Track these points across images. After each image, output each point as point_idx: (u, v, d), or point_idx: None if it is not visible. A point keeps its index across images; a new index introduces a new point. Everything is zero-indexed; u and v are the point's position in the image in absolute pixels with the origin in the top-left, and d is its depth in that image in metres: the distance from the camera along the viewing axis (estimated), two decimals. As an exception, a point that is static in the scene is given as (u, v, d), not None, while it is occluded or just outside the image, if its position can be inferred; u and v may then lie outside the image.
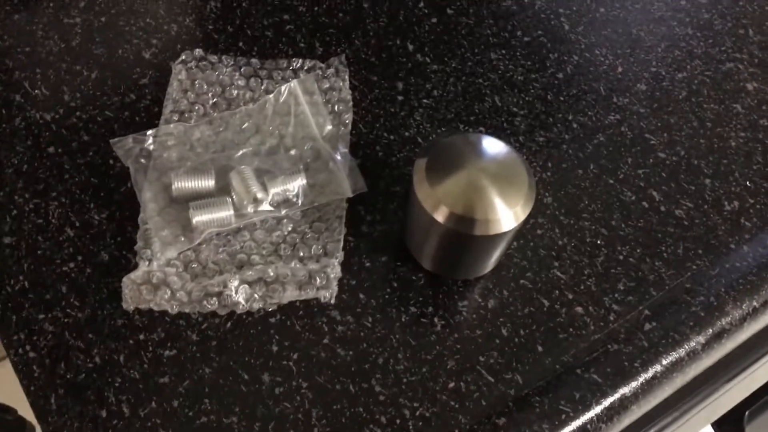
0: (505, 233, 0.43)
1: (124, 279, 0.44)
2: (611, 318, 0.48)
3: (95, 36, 0.55)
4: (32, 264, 0.45)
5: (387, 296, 0.47)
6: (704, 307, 0.49)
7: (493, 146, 0.44)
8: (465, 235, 0.42)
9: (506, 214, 0.42)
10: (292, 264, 0.46)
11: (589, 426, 0.44)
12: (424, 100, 0.57)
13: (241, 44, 0.57)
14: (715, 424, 0.74)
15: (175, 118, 0.51)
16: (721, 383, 0.58)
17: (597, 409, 0.44)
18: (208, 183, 0.47)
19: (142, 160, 0.48)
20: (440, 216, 0.42)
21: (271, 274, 0.45)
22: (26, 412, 0.49)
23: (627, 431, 0.51)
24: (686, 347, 0.48)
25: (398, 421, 0.43)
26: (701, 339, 0.48)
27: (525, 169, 0.44)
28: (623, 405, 0.45)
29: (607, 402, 0.45)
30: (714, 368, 0.54)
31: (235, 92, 0.53)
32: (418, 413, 0.43)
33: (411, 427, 0.43)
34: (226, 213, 0.46)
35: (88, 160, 0.50)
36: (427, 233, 0.45)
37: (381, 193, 0.51)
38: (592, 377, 0.45)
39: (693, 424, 0.61)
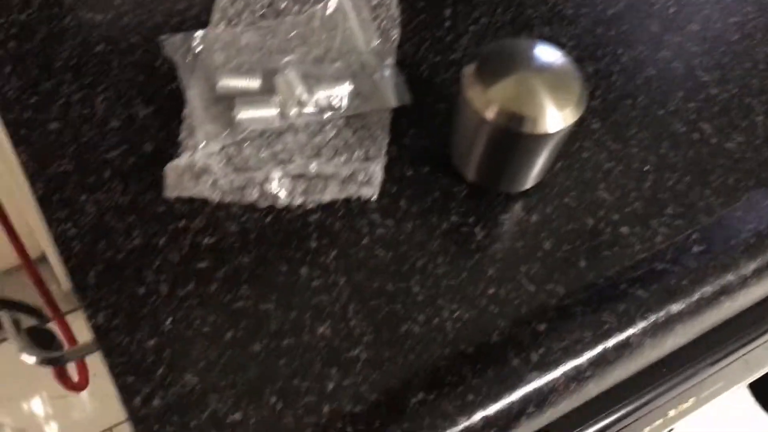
0: (552, 134, 0.42)
1: (167, 166, 0.44)
2: (658, 239, 0.47)
3: (147, -53, 0.56)
4: (77, 149, 0.45)
5: (428, 204, 0.47)
6: (756, 234, 0.47)
7: (546, 51, 0.44)
8: (513, 133, 0.42)
9: (555, 115, 0.42)
10: (334, 161, 0.45)
11: (632, 340, 0.43)
12: (471, 27, 0.56)
13: (290, -36, 0.57)
14: (751, 387, 0.72)
15: (223, 25, 0.51)
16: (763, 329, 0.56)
17: (641, 324, 0.43)
18: (254, 83, 0.47)
19: (189, 59, 0.48)
20: (490, 114, 0.42)
21: (314, 169, 0.45)
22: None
23: (663, 363, 0.50)
24: (735, 272, 0.46)
25: (436, 320, 0.42)
26: (752, 265, 0.46)
27: (577, 75, 0.43)
28: (668, 323, 0.44)
29: (652, 317, 0.43)
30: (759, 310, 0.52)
31: (282, 4, 0.53)
32: (456, 315, 0.42)
33: (449, 327, 0.42)
34: (270, 111, 0.46)
35: (135, 60, 0.50)
36: (475, 137, 0.44)
37: (425, 109, 0.51)
38: (638, 292, 0.44)
39: (729, 376, 0.59)
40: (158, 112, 0.48)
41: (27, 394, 1.17)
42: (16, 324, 0.53)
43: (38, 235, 1.07)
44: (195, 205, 0.44)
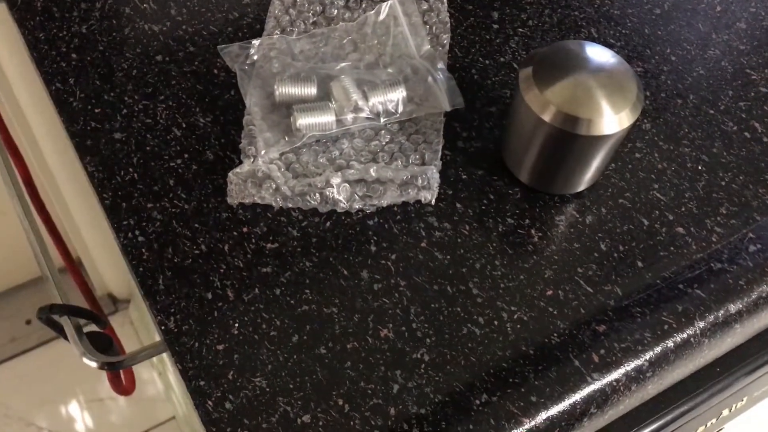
0: (608, 136, 0.42)
1: (230, 174, 0.45)
2: (714, 239, 0.47)
3: (200, -42, 0.57)
4: (141, 158, 0.47)
5: (484, 207, 0.47)
6: (812, 233, 0.47)
7: (601, 54, 0.44)
8: (569, 135, 0.42)
9: (611, 118, 0.42)
10: (393, 166, 0.46)
11: (692, 339, 0.43)
12: (519, 29, 0.56)
13: (339, -29, 0.58)
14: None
15: (277, 33, 0.52)
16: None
17: (701, 324, 0.43)
18: (311, 90, 0.48)
19: (247, 67, 0.49)
20: (547, 116, 0.42)
21: (373, 174, 0.45)
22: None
23: (722, 362, 0.50)
24: (793, 271, 0.46)
25: (496, 323, 0.43)
26: (809, 264, 0.46)
27: (633, 77, 0.43)
28: (727, 322, 0.44)
29: (711, 317, 0.44)
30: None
31: (335, 11, 0.54)
32: (516, 316, 0.43)
33: (509, 328, 0.42)
34: (328, 118, 0.47)
35: (194, 69, 0.51)
36: (531, 139, 0.44)
37: (477, 112, 0.51)
38: (696, 292, 0.44)
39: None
40: (218, 120, 0.49)
41: (64, 397, 1.19)
42: (78, 329, 0.54)
43: (74, 241, 1.09)
44: (257, 211, 0.45)
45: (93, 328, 0.59)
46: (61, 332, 0.56)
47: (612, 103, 0.42)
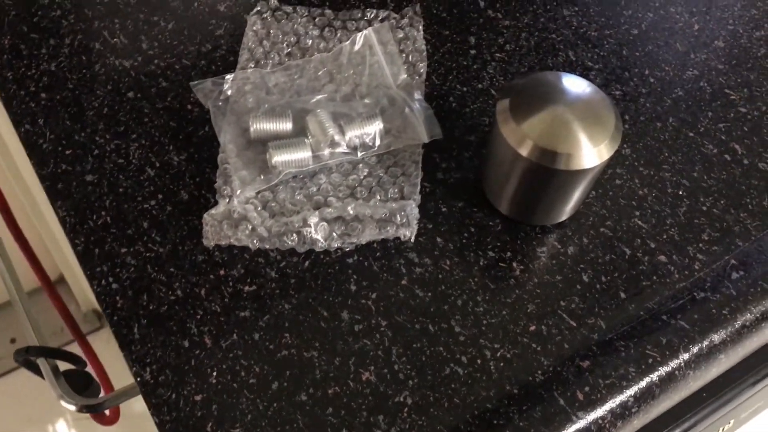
0: (587, 170, 0.42)
1: (205, 215, 0.44)
2: (696, 267, 0.46)
3: (171, -11, 0.56)
4: (114, 201, 0.46)
5: (464, 240, 0.47)
6: (794, 258, 0.47)
7: (578, 85, 0.44)
8: (548, 169, 0.42)
9: (590, 151, 0.41)
10: (371, 203, 0.45)
11: (677, 372, 0.43)
12: (497, 54, 0.56)
13: (313, -2, 0.57)
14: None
15: (251, 66, 0.52)
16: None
17: (685, 356, 0.43)
18: (286, 125, 0.47)
19: (221, 103, 0.49)
20: (525, 151, 0.42)
21: (351, 212, 0.45)
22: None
23: (709, 387, 0.50)
24: (776, 297, 0.46)
25: (479, 361, 0.42)
26: (791, 290, 0.46)
27: (611, 109, 0.43)
28: (712, 353, 0.44)
29: (695, 348, 0.43)
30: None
31: (309, 42, 0.53)
32: (499, 354, 0.42)
33: (492, 367, 0.42)
34: (304, 154, 0.46)
35: (166, 105, 0.50)
36: (509, 172, 0.44)
37: (455, 141, 0.51)
38: (679, 323, 0.44)
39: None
40: (192, 157, 0.48)
41: (51, 416, 1.18)
42: (55, 371, 0.53)
43: (56, 257, 1.07)
44: (234, 252, 0.45)
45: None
46: (39, 372, 0.55)
47: (590, 136, 0.42)
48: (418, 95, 0.51)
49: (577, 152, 0.41)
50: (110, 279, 0.43)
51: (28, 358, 0.53)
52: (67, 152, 0.47)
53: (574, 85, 0.44)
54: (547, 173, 0.42)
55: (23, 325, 0.59)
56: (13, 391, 1.19)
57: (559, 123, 0.42)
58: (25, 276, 0.93)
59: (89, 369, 0.68)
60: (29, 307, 0.62)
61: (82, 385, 0.57)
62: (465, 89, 0.54)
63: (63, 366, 0.57)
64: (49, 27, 0.53)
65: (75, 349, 0.76)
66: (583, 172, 0.42)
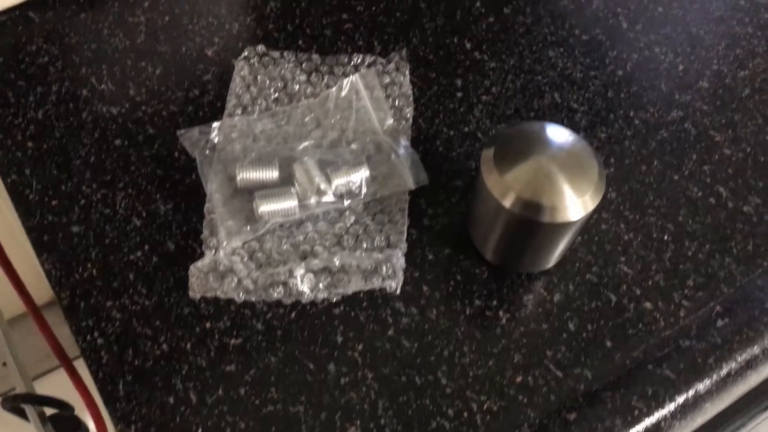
0: (572, 222, 0.42)
1: (191, 267, 0.45)
2: (681, 314, 0.47)
3: (159, 34, 0.56)
4: (100, 252, 0.46)
5: (451, 289, 0.47)
6: (778, 304, 0.47)
7: (561, 135, 0.44)
8: (532, 222, 0.42)
9: (575, 203, 0.42)
10: (357, 254, 0.46)
11: (662, 423, 0.43)
12: (483, 97, 0.56)
13: (300, 42, 0.57)
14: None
15: (239, 112, 0.52)
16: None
17: (671, 406, 0.43)
18: (272, 174, 0.48)
19: (208, 152, 0.49)
20: (508, 202, 0.42)
21: (337, 263, 0.45)
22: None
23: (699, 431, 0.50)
24: (761, 344, 0.46)
25: (466, 414, 0.42)
26: (776, 336, 0.46)
27: (595, 159, 0.43)
28: (697, 402, 0.44)
29: (681, 399, 0.43)
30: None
31: (296, 87, 0.53)
32: (485, 407, 0.42)
33: (479, 420, 0.42)
34: (290, 203, 0.46)
35: (153, 153, 0.50)
36: (494, 222, 0.44)
37: (442, 186, 0.51)
38: (665, 373, 0.44)
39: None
40: (179, 207, 0.48)
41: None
42: (42, 417, 0.53)
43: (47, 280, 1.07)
44: (220, 304, 0.45)
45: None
46: (26, 417, 0.55)
47: (575, 187, 0.42)
48: (404, 141, 0.51)
49: (562, 204, 0.42)
50: (96, 334, 0.43)
51: (15, 405, 0.53)
52: (54, 203, 0.47)
53: (558, 135, 0.44)
54: (531, 225, 0.42)
55: (6, 357, 0.59)
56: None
57: (543, 174, 0.42)
58: (12, 301, 0.93)
59: (77, 395, 0.67)
60: (12, 336, 0.62)
61: (71, 430, 0.56)
62: (451, 132, 0.54)
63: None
64: (36, 74, 0.53)
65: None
66: (567, 225, 0.42)
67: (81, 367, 0.83)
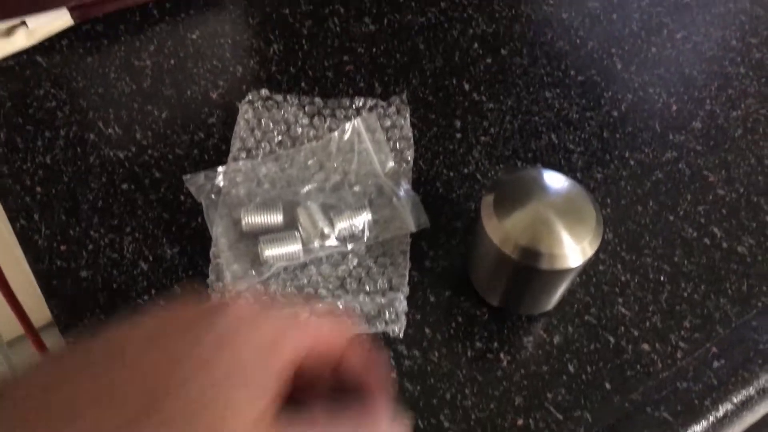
0: (572, 269, 0.43)
1: (197, 312, 0.45)
2: (678, 355, 0.48)
3: (165, 77, 0.58)
4: (108, 297, 0.46)
5: (452, 331, 0.48)
6: (773, 344, 0.48)
7: (559, 181, 0.45)
8: (532, 269, 0.43)
9: (574, 250, 0.43)
10: (360, 298, 0.46)
11: (661, 465, 0.44)
12: (482, 138, 0.57)
13: (303, 85, 0.59)
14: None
15: (243, 155, 0.53)
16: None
17: (668, 448, 0.44)
18: (277, 218, 0.49)
19: (213, 196, 0.50)
20: (507, 249, 0.43)
21: (340, 307, 0.46)
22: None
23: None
24: (756, 385, 0.47)
25: (468, 457, 0.43)
26: (771, 377, 0.47)
27: (592, 205, 0.44)
28: (694, 444, 0.45)
29: (678, 441, 0.44)
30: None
31: (299, 130, 0.55)
32: (487, 449, 0.43)
33: (481, 463, 0.43)
34: (294, 247, 0.47)
35: (160, 196, 0.51)
36: (494, 268, 0.45)
37: (443, 228, 0.52)
38: (663, 415, 0.45)
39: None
40: (185, 250, 0.49)
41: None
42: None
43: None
44: (226, 349, 0.45)
45: None
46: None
47: (573, 234, 0.43)
48: (405, 184, 0.52)
49: (560, 251, 0.43)
50: (104, 379, 0.43)
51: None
52: (62, 248, 0.48)
53: (556, 181, 0.45)
54: (530, 271, 0.43)
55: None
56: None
57: (542, 221, 0.43)
58: (10, 324, 0.93)
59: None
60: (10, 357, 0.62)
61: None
62: (451, 174, 0.55)
63: None
64: (44, 119, 0.54)
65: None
66: (566, 271, 0.43)
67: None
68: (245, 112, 0.55)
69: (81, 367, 0.23)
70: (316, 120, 0.55)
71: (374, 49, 0.62)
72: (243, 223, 0.48)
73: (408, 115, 0.57)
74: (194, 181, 0.50)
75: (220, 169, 0.51)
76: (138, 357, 0.23)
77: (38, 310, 1.06)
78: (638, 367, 0.47)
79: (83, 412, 0.22)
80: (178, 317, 0.25)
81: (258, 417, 0.23)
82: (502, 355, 0.47)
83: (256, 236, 0.48)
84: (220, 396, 0.22)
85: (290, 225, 0.49)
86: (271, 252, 0.47)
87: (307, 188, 0.51)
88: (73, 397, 0.22)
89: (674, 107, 0.61)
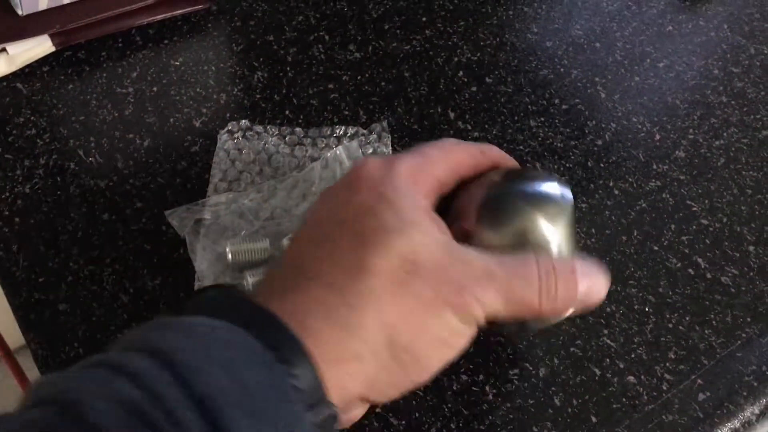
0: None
1: (179, 347, 0.44)
2: (664, 387, 0.47)
3: (147, 105, 0.57)
4: (87, 331, 0.46)
5: (437, 364, 0.47)
6: (757, 376, 0.48)
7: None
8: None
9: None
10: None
11: (647, 501, 0.43)
12: (467, 167, 0.57)
13: (287, 112, 0.58)
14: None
15: (224, 186, 0.52)
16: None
17: (655, 484, 0.44)
18: (262, 251, 0.48)
19: (195, 229, 0.49)
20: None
21: (325, 342, 0.45)
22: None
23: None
24: (741, 418, 0.47)
25: (454, 495, 0.42)
26: (755, 409, 0.47)
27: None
28: (681, 479, 0.45)
29: (664, 476, 0.44)
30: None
31: (281, 159, 0.54)
32: (473, 486, 0.43)
33: (467, 500, 0.42)
34: (278, 280, 0.47)
35: (141, 227, 0.50)
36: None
37: (428, 259, 0.52)
38: (649, 450, 0.45)
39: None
40: (166, 282, 0.48)
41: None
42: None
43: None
44: (207, 384, 0.44)
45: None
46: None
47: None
48: (390, 214, 0.52)
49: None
50: (82, 416, 0.42)
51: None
52: (41, 280, 0.47)
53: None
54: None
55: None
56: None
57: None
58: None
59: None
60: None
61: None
62: (436, 204, 0.55)
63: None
64: (24, 147, 0.53)
65: None
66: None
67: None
68: (224, 143, 0.55)
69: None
70: (297, 150, 0.55)
71: (359, 77, 0.62)
72: (228, 256, 0.48)
73: (389, 142, 0.57)
74: (176, 216, 0.50)
75: (202, 201, 0.50)
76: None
77: (13, 334, 1.05)
78: (624, 399, 0.47)
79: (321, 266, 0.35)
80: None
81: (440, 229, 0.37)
82: (487, 388, 0.47)
83: (242, 270, 0.48)
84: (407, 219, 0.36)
85: (275, 256, 0.49)
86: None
87: (291, 219, 0.51)
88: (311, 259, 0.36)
89: (657, 136, 0.61)
